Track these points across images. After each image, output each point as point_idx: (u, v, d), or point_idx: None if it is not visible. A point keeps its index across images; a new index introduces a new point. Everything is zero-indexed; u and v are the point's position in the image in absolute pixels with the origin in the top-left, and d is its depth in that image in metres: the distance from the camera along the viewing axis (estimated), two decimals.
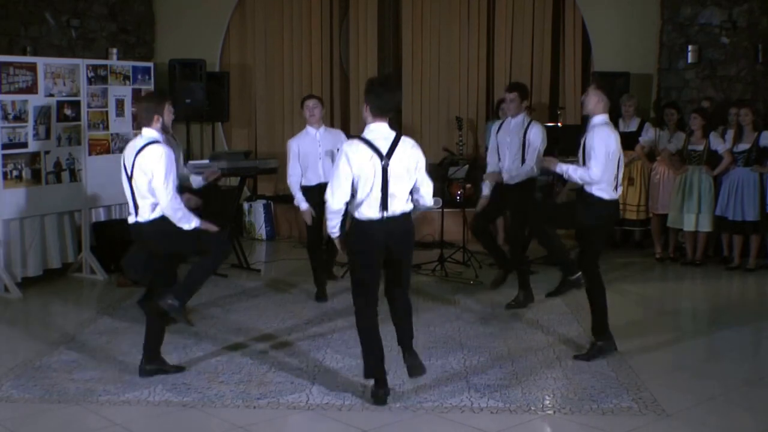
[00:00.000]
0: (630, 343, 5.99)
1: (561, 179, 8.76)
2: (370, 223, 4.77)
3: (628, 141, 9.18)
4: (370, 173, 4.72)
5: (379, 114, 4.81)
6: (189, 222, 5.18)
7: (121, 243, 7.93)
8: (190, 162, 8.32)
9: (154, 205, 5.14)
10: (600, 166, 5.54)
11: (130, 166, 5.14)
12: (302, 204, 7.16)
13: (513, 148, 6.90)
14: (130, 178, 5.16)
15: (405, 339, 4.99)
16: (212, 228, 5.30)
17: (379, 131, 4.80)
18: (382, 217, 4.75)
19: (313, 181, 7.18)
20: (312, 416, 4.76)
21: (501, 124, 7.15)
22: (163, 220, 5.16)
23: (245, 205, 10.50)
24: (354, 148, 4.76)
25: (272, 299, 7.44)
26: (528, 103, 7.07)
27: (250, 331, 6.38)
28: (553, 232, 6.00)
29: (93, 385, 5.16)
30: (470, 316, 6.85)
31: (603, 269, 5.98)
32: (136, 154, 5.12)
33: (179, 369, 5.42)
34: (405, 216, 4.85)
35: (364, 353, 4.93)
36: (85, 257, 8.18)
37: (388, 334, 5.06)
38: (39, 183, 7.66)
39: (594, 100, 5.69)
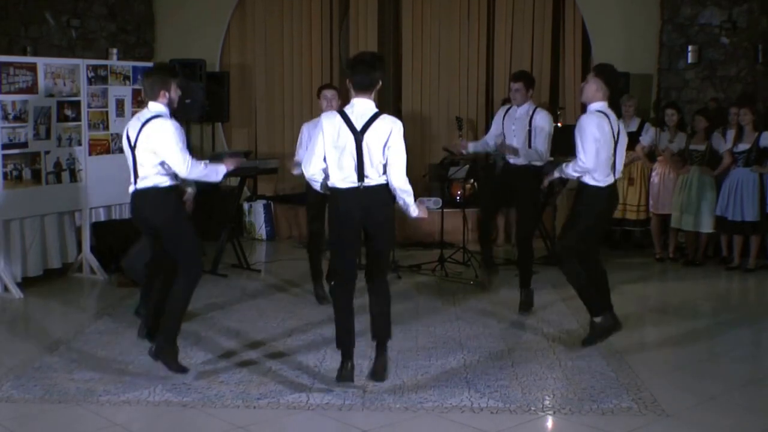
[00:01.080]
0: (630, 343, 5.99)
1: (561, 180, 8.76)
2: (347, 192, 4.87)
3: (628, 141, 9.19)
4: (343, 146, 4.83)
5: (359, 89, 4.90)
6: (217, 174, 5.33)
7: (121, 243, 7.96)
8: None
9: (157, 175, 5.17)
10: (589, 154, 5.53)
11: (135, 137, 5.17)
12: (296, 169, 6.92)
13: (519, 135, 6.86)
14: (133, 148, 5.19)
15: (379, 334, 5.04)
16: (238, 162, 5.52)
17: (359, 106, 4.90)
18: (359, 186, 4.85)
19: None
20: (312, 416, 4.76)
21: (507, 110, 7.11)
22: (162, 191, 5.20)
23: (245, 205, 10.50)
24: (329, 121, 4.91)
25: (272, 299, 7.44)
26: (533, 92, 7.04)
27: (250, 331, 6.38)
28: (576, 265, 5.83)
29: (93, 385, 5.15)
30: (470, 316, 6.85)
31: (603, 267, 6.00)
32: (142, 126, 5.14)
33: (183, 370, 5.32)
34: (382, 189, 4.89)
35: (336, 322, 5.07)
36: (85, 257, 8.18)
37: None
38: (39, 183, 7.66)
39: (593, 87, 5.67)
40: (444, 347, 5.99)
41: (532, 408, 4.87)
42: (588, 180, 5.72)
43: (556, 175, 5.99)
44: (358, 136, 4.82)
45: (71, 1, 10.21)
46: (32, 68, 7.61)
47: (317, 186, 5.06)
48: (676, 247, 9.19)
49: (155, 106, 5.22)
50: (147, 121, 5.16)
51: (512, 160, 6.92)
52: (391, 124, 4.88)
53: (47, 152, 7.73)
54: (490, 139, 7.21)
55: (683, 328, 6.68)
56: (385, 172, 4.90)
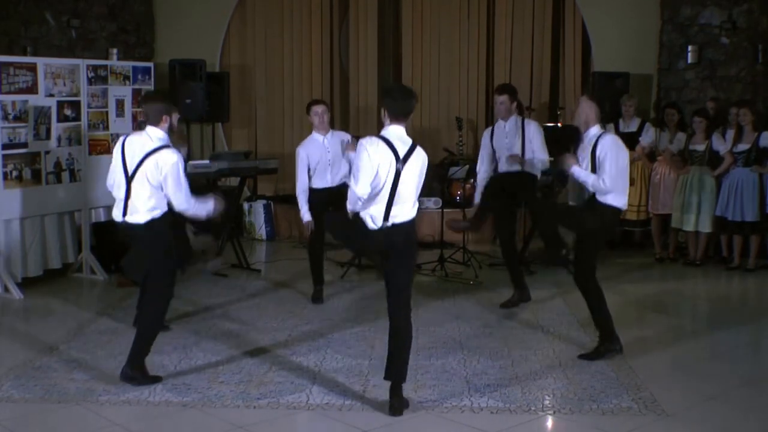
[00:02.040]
0: (630, 343, 5.98)
1: (560, 180, 8.75)
2: (369, 229, 4.73)
3: (628, 141, 9.12)
4: (383, 173, 4.68)
5: (395, 117, 4.76)
6: (205, 209, 5.30)
7: (121, 243, 7.92)
8: (190, 162, 8.32)
9: (152, 206, 5.11)
10: (613, 177, 5.50)
11: (134, 166, 5.09)
12: (305, 216, 6.96)
13: (513, 149, 6.87)
14: (130, 175, 5.11)
15: (395, 376, 4.76)
16: (220, 205, 5.41)
17: (397, 134, 4.76)
18: (383, 227, 4.70)
19: (320, 185, 7.03)
20: (312, 416, 4.76)
21: (492, 130, 7.07)
22: (155, 223, 5.14)
23: (245, 206, 10.50)
24: (374, 145, 4.70)
25: (272, 299, 7.44)
26: (518, 102, 7.03)
27: (250, 331, 6.38)
28: (598, 287, 5.74)
29: (93, 385, 5.16)
30: (470, 316, 6.85)
31: (603, 270, 5.99)
32: (146, 156, 5.07)
33: (156, 379, 5.23)
34: (407, 224, 4.77)
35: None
36: (85, 257, 8.18)
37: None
38: (39, 183, 7.66)
39: (586, 110, 5.63)
40: (444, 347, 5.99)
41: (532, 408, 4.87)
42: (611, 201, 5.59)
43: (571, 172, 5.80)
44: (399, 165, 4.69)
45: (71, 1, 10.21)
46: (32, 68, 7.61)
47: (359, 208, 4.76)
48: (676, 247, 9.19)
49: (156, 133, 5.15)
50: (153, 151, 5.08)
51: (505, 168, 6.91)
52: (425, 159, 4.81)
53: (47, 152, 7.73)
54: (487, 165, 7.08)
55: (683, 328, 6.69)
56: (415, 204, 4.80)
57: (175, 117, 5.29)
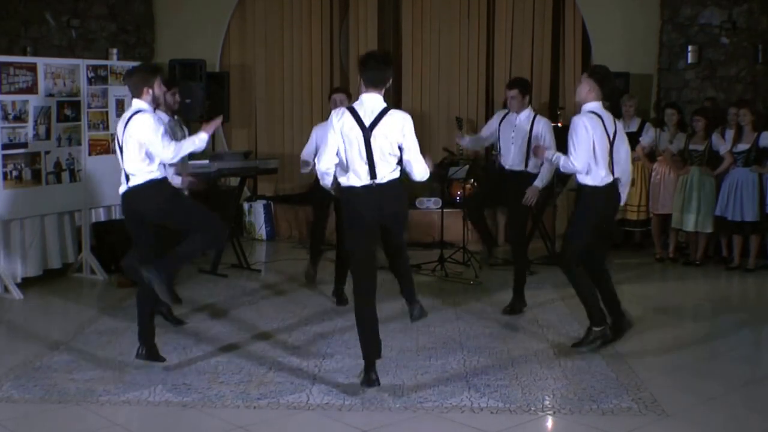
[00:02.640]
0: (630, 343, 5.99)
1: (560, 180, 8.76)
2: (360, 191, 4.89)
3: (628, 141, 9.18)
4: (353, 142, 4.85)
5: (369, 85, 4.90)
6: (199, 142, 5.41)
7: (121, 243, 7.94)
8: (190, 162, 8.30)
9: (146, 169, 5.23)
10: (579, 155, 5.52)
11: (121, 137, 5.28)
12: (304, 167, 7.02)
13: (518, 142, 6.84)
14: (121, 149, 5.28)
15: (406, 288, 5.21)
16: (216, 123, 5.55)
17: (368, 102, 4.90)
18: (372, 184, 4.88)
19: None
20: (312, 416, 4.76)
21: (505, 116, 7.08)
22: (154, 184, 5.25)
23: (245, 206, 10.50)
24: (339, 117, 4.92)
25: (272, 299, 7.44)
26: (530, 97, 7.02)
27: (250, 331, 6.38)
28: (582, 272, 5.79)
29: (93, 385, 5.16)
30: (470, 316, 6.85)
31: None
32: (125, 125, 5.25)
33: (160, 359, 5.48)
34: (394, 183, 4.94)
35: (359, 333, 5.07)
36: (85, 257, 8.18)
37: (388, 335, 5.06)
38: (39, 183, 7.66)
39: (585, 88, 5.66)
40: (444, 347, 5.99)
41: (532, 408, 4.87)
42: (585, 180, 5.71)
43: (547, 157, 5.93)
44: (367, 132, 4.84)
45: (71, 2, 10.21)
46: (32, 68, 7.61)
47: (328, 182, 5.08)
48: (676, 247, 9.19)
49: (138, 103, 5.33)
50: (129, 118, 5.27)
51: (508, 165, 6.91)
52: (401, 120, 4.90)
53: (47, 152, 7.73)
54: (483, 135, 7.27)
55: (683, 328, 6.69)
56: (396, 167, 4.94)
57: (159, 87, 5.36)
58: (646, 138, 9.21)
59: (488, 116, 11.17)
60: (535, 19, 11.15)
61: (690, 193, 8.74)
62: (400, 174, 5.02)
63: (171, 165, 5.68)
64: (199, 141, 5.45)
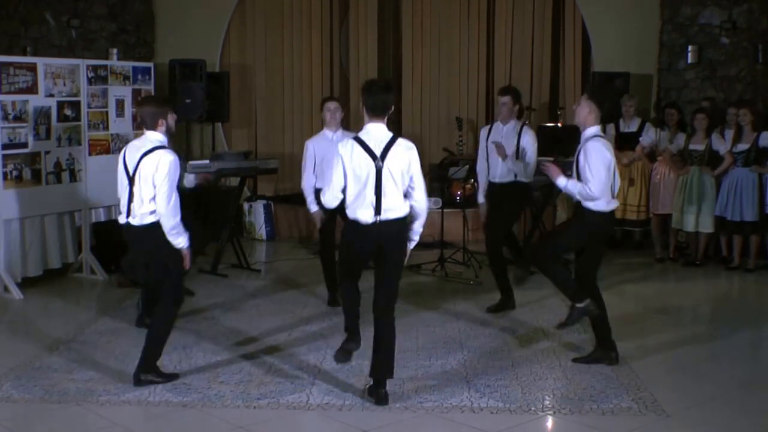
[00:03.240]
0: (630, 343, 5.99)
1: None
2: (363, 227, 4.81)
3: (628, 141, 9.20)
4: (363, 174, 4.75)
5: (372, 113, 4.83)
6: (180, 237, 5.10)
7: (121, 243, 7.89)
8: (190, 162, 8.32)
9: (152, 209, 5.10)
10: (599, 184, 5.36)
11: (133, 167, 5.11)
12: (311, 206, 6.92)
13: (507, 152, 6.84)
14: (131, 179, 5.13)
15: (380, 374, 4.90)
16: (186, 262, 5.21)
17: (375, 132, 4.82)
18: (376, 221, 4.79)
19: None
20: (312, 416, 4.76)
21: (490, 129, 7.06)
22: (156, 226, 5.10)
23: (245, 206, 10.50)
24: (348, 149, 4.80)
25: (272, 299, 7.44)
26: (519, 106, 6.99)
27: (250, 331, 6.38)
28: (558, 264, 5.69)
29: (93, 385, 5.16)
30: (470, 316, 6.85)
31: (603, 270, 5.97)
32: (142, 156, 5.08)
33: (173, 377, 5.29)
34: (398, 221, 4.84)
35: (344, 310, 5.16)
36: (85, 257, 8.18)
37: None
38: (39, 183, 7.66)
39: (585, 111, 5.52)
40: (444, 347, 5.99)
41: (532, 408, 4.87)
42: (591, 206, 5.47)
43: (558, 183, 5.62)
44: (378, 162, 4.75)
45: (71, 1, 10.21)
46: (32, 68, 7.61)
47: (334, 206, 5.00)
48: (676, 248, 9.19)
49: (154, 136, 5.17)
50: (149, 151, 5.09)
51: (498, 179, 6.90)
52: (409, 150, 4.83)
53: (47, 152, 7.72)
54: (485, 163, 7.06)
55: (683, 329, 6.68)
56: (403, 202, 4.85)
57: (172, 119, 5.28)
58: (646, 138, 9.20)
59: (488, 116, 11.21)
60: (535, 19, 11.16)
61: (690, 193, 8.74)
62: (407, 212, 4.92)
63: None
64: (178, 239, 5.11)
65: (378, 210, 4.77)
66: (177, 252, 5.15)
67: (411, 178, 4.86)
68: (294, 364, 5.59)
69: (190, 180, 6.43)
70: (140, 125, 5.31)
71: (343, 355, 5.11)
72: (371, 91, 4.83)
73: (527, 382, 5.26)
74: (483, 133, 7.16)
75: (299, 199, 10.35)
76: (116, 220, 8.30)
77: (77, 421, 4.70)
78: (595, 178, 5.35)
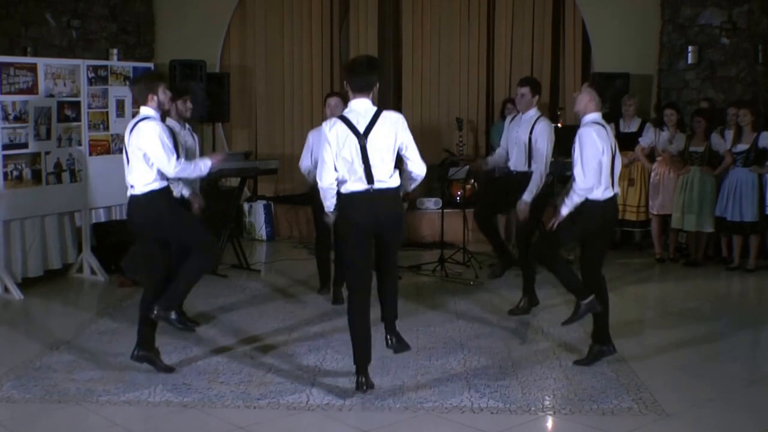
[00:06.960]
0: (630, 343, 5.99)
1: (560, 180, 8.75)
2: (356, 197, 4.87)
3: (628, 141, 9.19)
4: (349, 151, 4.84)
5: (357, 90, 4.91)
6: (202, 168, 5.47)
7: (121, 243, 7.96)
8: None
9: (147, 179, 5.24)
10: (589, 171, 5.36)
11: (127, 143, 5.30)
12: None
13: (520, 143, 6.78)
14: (127, 157, 5.30)
15: (389, 315, 5.16)
16: (223, 157, 5.74)
17: (359, 108, 4.91)
18: (369, 189, 4.86)
19: None
20: (312, 416, 4.76)
21: (513, 118, 7.03)
22: (154, 195, 5.26)
23: (245, 206, 10.51)
24: (332, 128, 4.90)
25: (272, 300, 7.44)
26: (539, 98, 6.94)
27: (250, 331, 6.39)
28: (561, 260, 5.74)
29: (93, 385, 5.16)
30: (470, 316, 6.85)
31: (603, 270, 5.97)
32: (132, 129, 5.28)
33: (169, 369, 5.40)
34: (393, 192, 4.93)
35: (352, 340, 5.05)
36: (85, 258, 8.18)
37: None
38: (39, 183, 7.66)
39: (586, 98, 5.53)
40: (444, 347, 5.99)
41: (532, 408, 4.87)
42: (590, 195, 5.48)
43: (565, 211, 5.59)
44: (362, 139, 4.83)
45: (72, 2, 10.21)
46: (32, 69, 7.61)
47: (331, 204, 5.01)
48: (676, 248, 9.19)
49: (145, 110, 5.34)
50: (136, 123, 5.29)
51: (513, 167, 6.87)
52: (395, 122, 4.90)
53: (47, 153, 7.73)
54: (504, 145, 7.08)
55: (683, 329, 6.68)
56: (394, 172, 4.92)
57: (163, 92, 5.38)
58: (646, 138, 9.20)
59: (488, 116, 11.22)
60: (535, 20, 11.17)
61: (690, 194, 8.74)
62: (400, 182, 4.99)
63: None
64: (204, 166, 5.50)
65: (370, 179, 4.85)
66: (178, 213, 5.40)
67: (403, 147, 4.92)
68: (294, 364, 5.59)
69: (206, 165, 6.33)
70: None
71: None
72: (354, 70, 4.95)
73: (527, 383, 5.26)
74: (508, 120, 7.17)
75: (299, 199, 10.41)
76: (116, 221, 8.45)
77: (77, 421, 4.70)
78: (585, 166, 5.41)
